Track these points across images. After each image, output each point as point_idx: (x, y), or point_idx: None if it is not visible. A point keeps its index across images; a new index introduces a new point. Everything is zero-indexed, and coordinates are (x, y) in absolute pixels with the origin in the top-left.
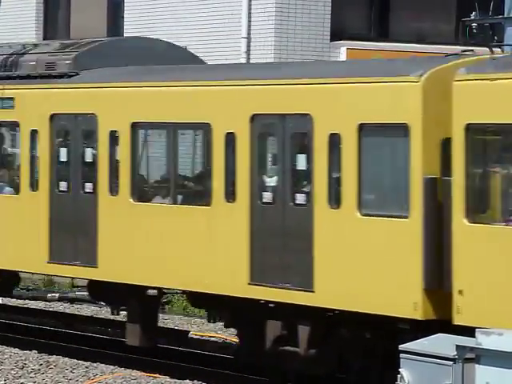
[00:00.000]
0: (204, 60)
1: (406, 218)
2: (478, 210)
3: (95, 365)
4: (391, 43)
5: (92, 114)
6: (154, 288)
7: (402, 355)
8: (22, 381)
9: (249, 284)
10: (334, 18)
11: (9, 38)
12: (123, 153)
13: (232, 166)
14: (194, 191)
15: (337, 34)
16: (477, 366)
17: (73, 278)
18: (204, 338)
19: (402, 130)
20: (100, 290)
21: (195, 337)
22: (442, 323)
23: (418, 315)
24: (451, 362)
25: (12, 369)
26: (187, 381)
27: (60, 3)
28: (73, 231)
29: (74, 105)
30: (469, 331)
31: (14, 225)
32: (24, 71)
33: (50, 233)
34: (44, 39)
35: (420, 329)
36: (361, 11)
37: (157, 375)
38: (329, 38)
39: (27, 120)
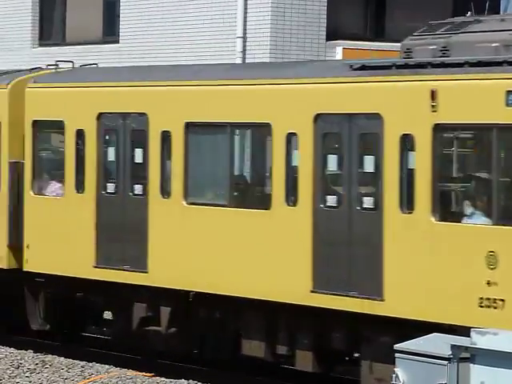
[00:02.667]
0: (199, 60)
1: None
2: None
3: (91, 364)
4: (387, 43)
5: None
6: None
7: (396, 355)
8: (17, 380)
9: None
10: (329, 17)
11: (4, 36)
12: None
13: None
14: None
15: (333, 34)
16: (472, 365)
17: None
18: None
19: None
20: None
21: None
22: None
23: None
24: (446, 362)
25: (8, 368)
26: (182, 380)
27: (56, 2)
28: None
29: None
30: None
31: None
32: None
33: None
34: (40, 39)
35: None
36: (357, 11)
37: (152, 375)
38: (325, 37)
39: None
